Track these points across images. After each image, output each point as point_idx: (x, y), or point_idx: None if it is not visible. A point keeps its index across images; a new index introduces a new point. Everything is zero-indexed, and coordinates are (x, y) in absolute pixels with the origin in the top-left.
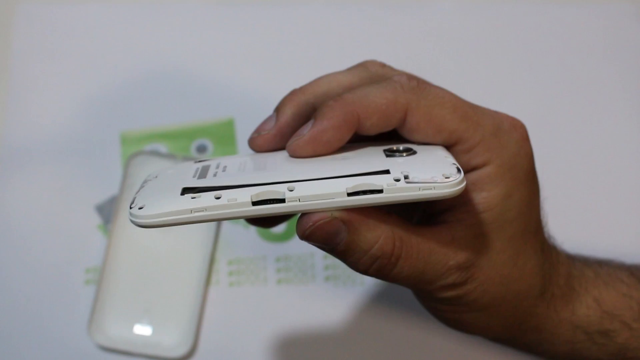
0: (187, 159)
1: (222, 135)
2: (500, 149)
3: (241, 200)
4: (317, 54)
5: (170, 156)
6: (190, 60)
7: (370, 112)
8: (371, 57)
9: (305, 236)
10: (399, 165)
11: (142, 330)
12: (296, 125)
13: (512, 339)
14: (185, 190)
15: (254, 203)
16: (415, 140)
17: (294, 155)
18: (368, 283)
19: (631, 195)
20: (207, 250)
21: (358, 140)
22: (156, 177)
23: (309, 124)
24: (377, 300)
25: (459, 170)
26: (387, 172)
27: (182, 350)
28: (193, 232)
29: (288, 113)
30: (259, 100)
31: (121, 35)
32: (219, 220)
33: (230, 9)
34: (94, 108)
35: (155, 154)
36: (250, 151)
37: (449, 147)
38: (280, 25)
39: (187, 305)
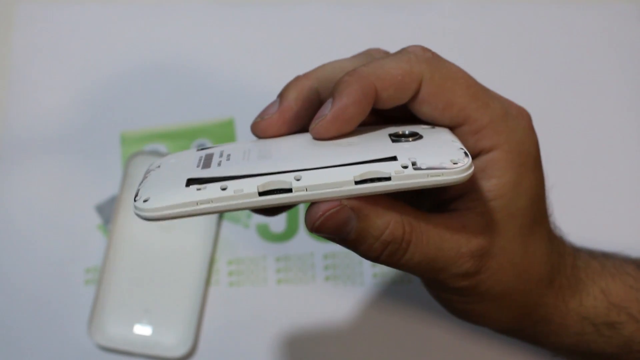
0: None
1: (222, 135)
2: (508, 133)
3: (247, 191)
4: (317, 54)
5: None
6: (190, 60)
7: (387, 84)
8: None
9: (316, 227)
10: (405, 150)
11: (142, 330)
12: (299, 109)
13: (521, 330)
14: (190, 182)
15: (261, 194)
16: (423, 114)
17: (318, 137)
18: (368, 283)
19: (632, 190)
20: (207, 250)
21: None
22: (159, 167)
23: (328, 104)
24: (377, 300)
25: (466, 155)
26: (394, 158)
27: (182, 350)
28: (193, 231)
29: (291, 97)
30: (259, 100)
31: (121, 35)
32: (225, 212)
33: (230, 9)
34: (94, 108)
35: (155, 154)
36: (254, 138)
37: (456, 128)
38: (280, 25)
39: (187, 305)
